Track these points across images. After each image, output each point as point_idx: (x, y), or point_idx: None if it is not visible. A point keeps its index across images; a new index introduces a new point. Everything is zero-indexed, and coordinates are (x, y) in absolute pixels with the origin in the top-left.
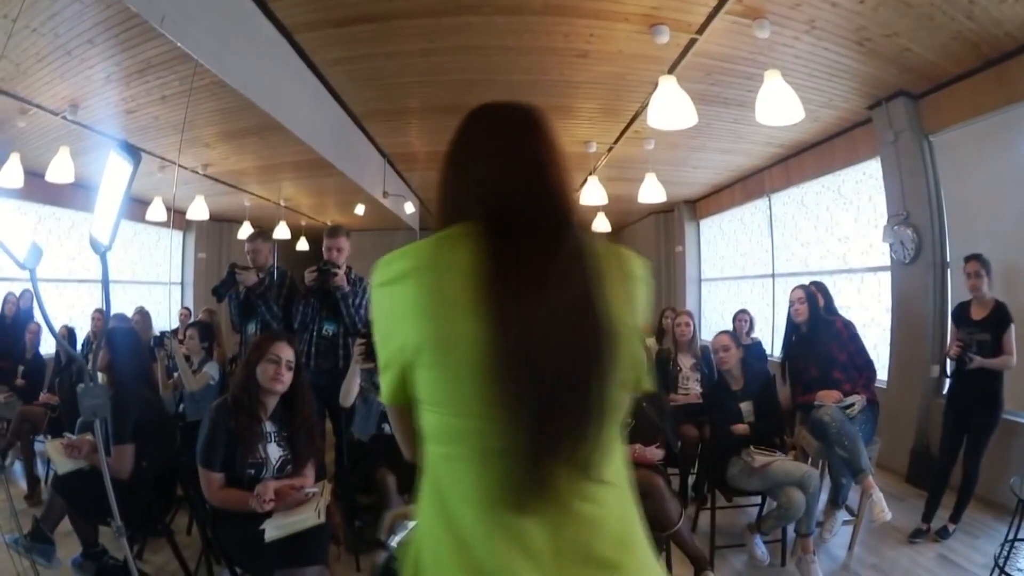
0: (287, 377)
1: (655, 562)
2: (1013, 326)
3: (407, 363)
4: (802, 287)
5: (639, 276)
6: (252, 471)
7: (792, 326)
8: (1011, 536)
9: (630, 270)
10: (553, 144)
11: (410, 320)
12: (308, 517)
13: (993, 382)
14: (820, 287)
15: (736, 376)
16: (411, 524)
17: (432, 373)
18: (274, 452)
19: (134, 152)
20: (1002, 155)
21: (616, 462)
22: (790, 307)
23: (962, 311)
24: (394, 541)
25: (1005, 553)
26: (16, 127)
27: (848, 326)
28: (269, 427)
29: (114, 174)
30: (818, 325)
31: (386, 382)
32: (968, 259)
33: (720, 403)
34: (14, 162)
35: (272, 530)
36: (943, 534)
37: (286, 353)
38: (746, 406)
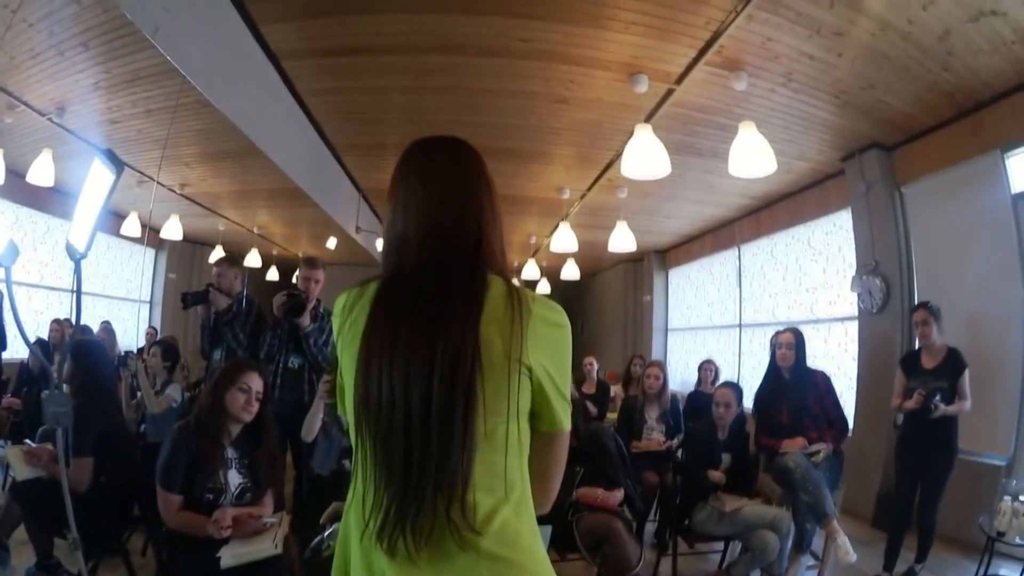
0: (255, 408)
1: None
2: (968, 371)
3: (340, 385)
4: (792, 331)
5: (540, 316)
6: (211, 496)
7: (773, 370)
8: (981, 572)
9: (528, 311)
10: (472, 182)
11: (338, 351)
12: (265, 548)
13: (948, 429)
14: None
15: (725, 426)
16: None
17: (347, 403)
18: (234, 479)
19: (118, 162)
20: (971, 202)
21: (505, 513)
22: (776, 349)
23: (913, 360)
24: (330, 528)
25: None
26: (2, 123)
27: (826, 380)
28: (231, 453)
29: (96, 181)
30: (800, 373)
31: (336, 391)
32: (915, 308)
33: (703, 448)
34: None
35: (228, 558)
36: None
37: (256, 383)
38: (726, 456)
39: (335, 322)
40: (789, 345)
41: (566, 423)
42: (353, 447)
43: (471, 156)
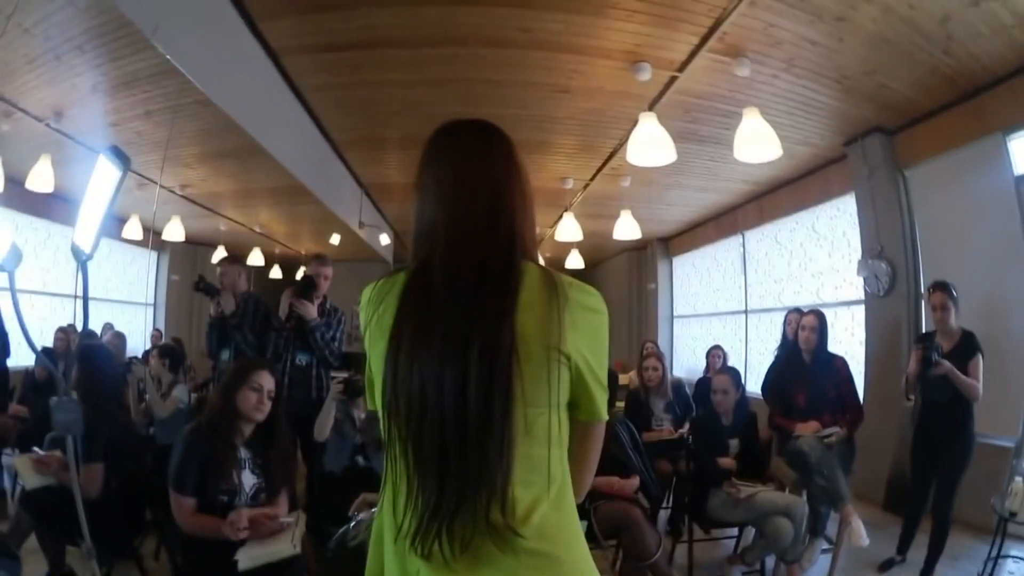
0: (267, 407)
1: None
2: (981, 356)
3: (369, 378)
4: (816, 314)
5: (577, 301)
6: (225, 498)
7: (788, 349)
8: (993, 553)
9: (566, 297)
10: (503, 169)
11: (366, 344)
12: (284, 548)
13: (963, 416)
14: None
15: (727, 412)
16: (375, 510)
17: (377, 397)
18: (248, 479)
19: (124, 158)
20: (975, 185)
21: (544, 509)
22: (799, 331)
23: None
24: (356, 519)
25: (988, 571)
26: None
27: (845, 365)
28: (244, 453)
29: (101, 180)
30: (821, 357)
31: (366, 385)
32: (933, 290)
33: (709, 436)
34: None
35: (245, 560)
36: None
37: (268, 382)
38: (734, 442)
39: (362, 315)
40: (812, 328)
41: (604, 412)
42: (385, 444)
43: (502, 140)
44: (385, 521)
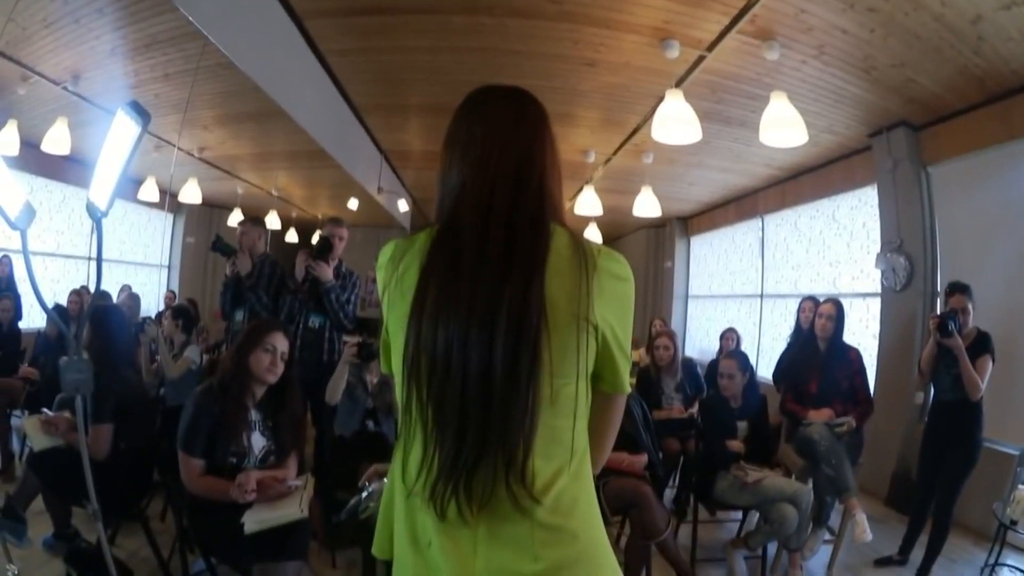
0: (280, 369)
1: None
2: (991, 358)
3: (385, 340)
4: (834, 303)
5: (606, 269)
6: (234, 460)
7: (803, 337)
8: (991, 560)
9: (595, 264)
10: (535, 133)
11: (384, 305)
12: (291, 512)
13: (971, 418)
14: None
15: (735, 396)
16: (386, 480)
17: (394, 359)
18: (257, 442)
19: (144, 113)
20: (999, 189)
21: (564, 479)
22: (816, 318)
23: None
24: (367, 490)
25: None
26: (16, 94)
27: (859, 357)
28: (254, 416)
29: (119, 135)
30: (836, 346)
31: (381, 347)
32: (952, 291)
33: (718, 418)
34: (11, 129)
35: (252, 523)
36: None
37: (281, 344)
38: (742, 425)
39: (379, 275)
40: (830, 317)
41: (627, 384)
42: (401, 406)
43: (534, 105)
44: (396, 485)
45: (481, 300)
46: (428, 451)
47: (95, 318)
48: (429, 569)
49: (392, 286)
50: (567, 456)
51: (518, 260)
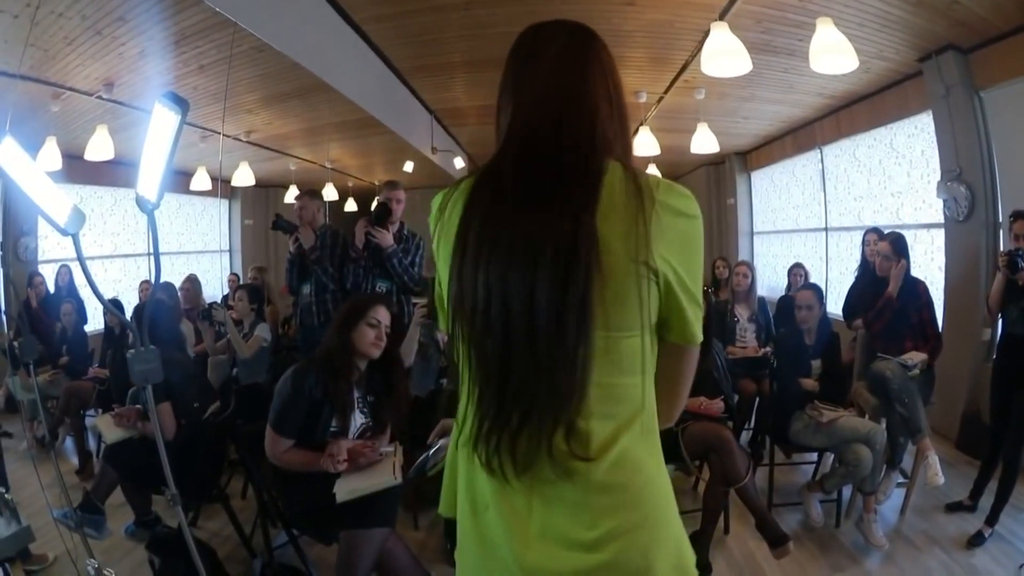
0: (383, 343)
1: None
2: None
3: (440, 295)
4: (889, 240)
5: (667, 204)
6: (330, 436)
7: (870, 271)
8: None
9: (652, 199)
10: (589, 65)
11: (437, 258)
12: (385, 479)
13: None
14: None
15: (811, 330)
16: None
17: (446, 310)
18: (357, 419)
19: (181, 101)
20: None
21: (620, 437)
22: (875, 257)
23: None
24: (436, 446)
25: None
26: (50, 112)
27: (926, 290)
28: (356, 393)
29: (160, 127)
30: (904, 282)
31: (436, 303)
32: (1017, 217)
33: (792, 356)
34: (51, 146)
35: (344, 492)
36: (978, 540)
37: (384, 317)
38: (816, 363)
39: (431, 225)
40: (887, 256)
41: (699, 334)
42: (455, 359)
43: (589, 37)
44: (456, 435)
45: (522, 240)
46: (473, 400)
47: (136, 317)
48: (484, 541)
49: (438, 234)
50: (629, 415)
51: (564, 196)
